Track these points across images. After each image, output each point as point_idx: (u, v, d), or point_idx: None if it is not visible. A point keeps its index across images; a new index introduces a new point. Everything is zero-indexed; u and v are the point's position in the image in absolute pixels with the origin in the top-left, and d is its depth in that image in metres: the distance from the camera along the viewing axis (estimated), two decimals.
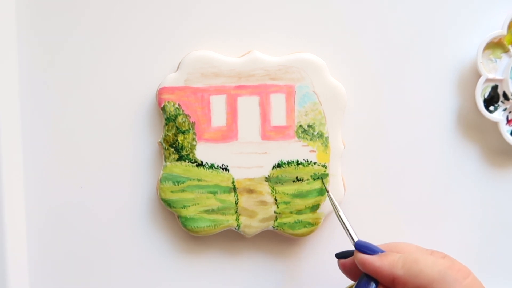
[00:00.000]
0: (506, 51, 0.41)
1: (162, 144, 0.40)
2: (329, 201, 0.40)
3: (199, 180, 0.40)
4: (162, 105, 0.40)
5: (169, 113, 0.40)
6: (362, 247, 0.36)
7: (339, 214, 0.38)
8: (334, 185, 0.40)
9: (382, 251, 0.35)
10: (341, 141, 0.40)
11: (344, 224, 0.38)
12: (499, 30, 0.40)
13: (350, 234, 0.37)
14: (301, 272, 0.42)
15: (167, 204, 0.40)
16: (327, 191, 0.40)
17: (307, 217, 0.40)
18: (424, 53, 0.42)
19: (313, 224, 0.40)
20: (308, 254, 0.42)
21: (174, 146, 0.40)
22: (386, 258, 0.34)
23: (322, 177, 0.40)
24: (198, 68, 0.39)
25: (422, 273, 0.33)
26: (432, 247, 0.42)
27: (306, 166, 0.40)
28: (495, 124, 0.41)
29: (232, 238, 0.41)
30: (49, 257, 0.42)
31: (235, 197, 0.40)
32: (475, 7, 0.41)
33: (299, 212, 0.40)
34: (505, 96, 0.41)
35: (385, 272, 0.34)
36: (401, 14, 0.41)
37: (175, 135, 0.40)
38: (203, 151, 0.40)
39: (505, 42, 0.41)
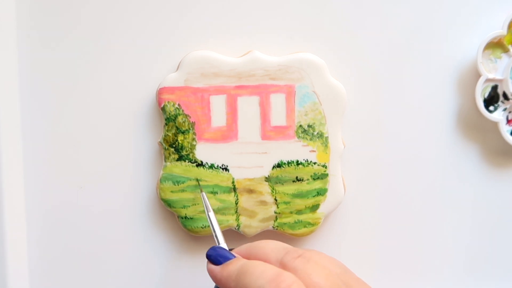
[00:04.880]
0: (506, 51, 0.41)
1: (162, 144, 0.40)
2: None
3: (199, 180, 0.40)
4: (162, 105, 0.40)
5: (169, 113, 0.40)
6: (212, 256, 0.33)
7: (208, 215, 0.36)
8: (334, 185, 0.40)
9: (230, 258, 0.33)
10: (341, 141, 0.40)
11: (213, 226, 0.36)
12: (499, 30, 0.40)
13: (216, 237, 0.35)
14: None
15: (167, 204, 0.40)
16: (201, 191, 0.38)
17: (307, 217, 0.40)
18: (424, 53, 0.42)
19: (313, 224, 0.40)
20: None
21: (174, 146, 0.40)
22: (226, 269, 0.32)
23: (197, 179, 0.39)
24: (198, 68, 0.39)
25: (247, 286, 0.30)
26: (432, 247, 0.43)
27: (306, 166, 0.40)
28: (495, 124, 0.41)
29: (232, 238, 0.41)
30: (49, 257, 0.42)
31: (235, 197, 0.40)
32: (475, 7, 0.41)
33: (299, 212, 0.40)
34: (505, 96, 0.41)
35: (222, 285, 0.32)
36: (401, 14, 0.41)
37: (175, 135, 0.40)
38: (203, 151, 0.40)
39: (505, 42, 0.41)
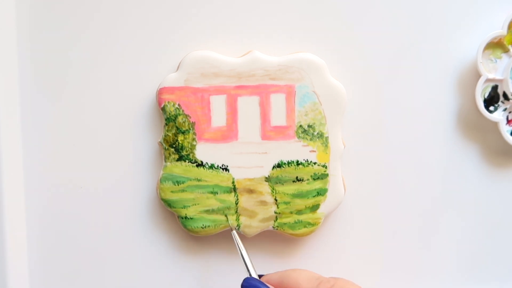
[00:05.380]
0: (506, 51, 0.41)
1: (162, 144, 0.40)
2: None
3: (199, 180, 0.40)
4: (162, 105, 0.40)
5: (169, 113, 0.40)
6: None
7: (241, 253, 0.38)
8: (334, 185, 0.40)
9: None
10: (341, 141, 0.40)
11: (245, 261, 0.38)
12: (499, 30, 0.40)
13: (248, 270, 0.37)
14: None
15: (167, 204, 0.40)
16: (231, 230, 0.40)
17: (307, 217, 0.40)
18: (424, 53, 0.42)
19: (313, 224, 0.40)
20: (308, 254, 0.42)
21: (174, 146, 0.40)
22: None
23: (226, 213, 0.40)
24: (198, 68, 0.39)
25: None
26: (433, 247, 0.43)
27: (306, 166, 0.40)
28: (495, 124, 0.41)
29: (232, 238, 0.41)
30: (49, 256, 0.42)
31: (235, 197, 0.40)
32: (475, 7, 0.41)
33: (299, 212, 0.40)
34: (505, 96, 0.41)
35: None
36: (401, 14, 0.41)
37: (175, 135, 0.40)
38: (203, 151, 0.40)
39: (505, 42, 0.41)
